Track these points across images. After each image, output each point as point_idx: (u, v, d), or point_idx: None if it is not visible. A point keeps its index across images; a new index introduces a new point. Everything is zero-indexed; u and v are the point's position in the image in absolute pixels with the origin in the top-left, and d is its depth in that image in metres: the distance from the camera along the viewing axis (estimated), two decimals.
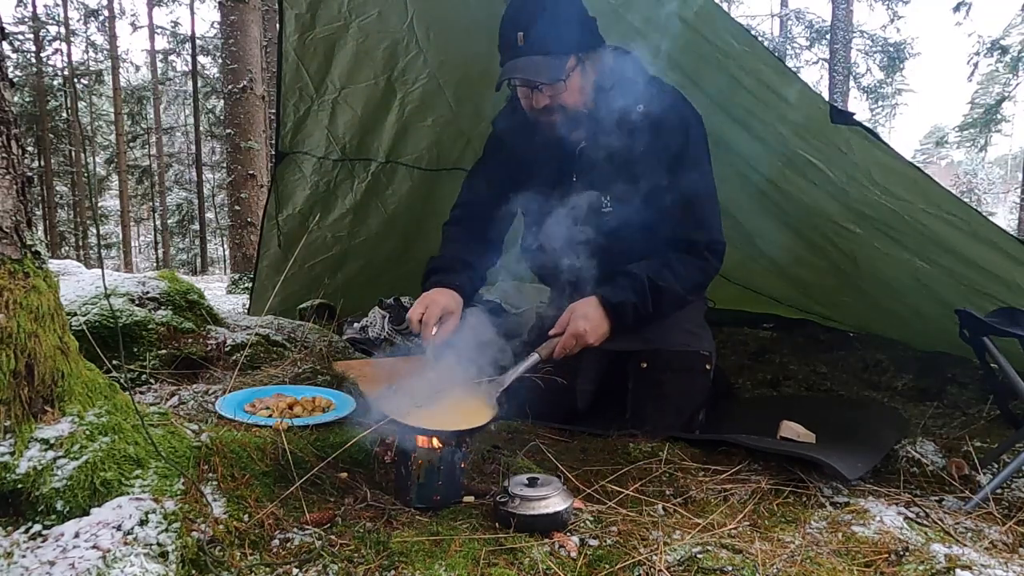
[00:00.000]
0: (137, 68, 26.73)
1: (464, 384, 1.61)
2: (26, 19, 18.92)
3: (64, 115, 20.83)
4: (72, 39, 20.75)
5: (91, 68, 21.99)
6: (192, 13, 22.65)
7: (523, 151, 2.03)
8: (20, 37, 18.96)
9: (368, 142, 3.23)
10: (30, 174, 1.27)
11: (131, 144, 22.70)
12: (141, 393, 1.93)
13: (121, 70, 21.10)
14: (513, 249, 2.23)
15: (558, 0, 1.82)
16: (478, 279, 1.97)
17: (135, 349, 2.11)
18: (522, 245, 2.23)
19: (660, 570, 1.18)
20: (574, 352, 1.79)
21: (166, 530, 1.11)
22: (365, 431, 1.46)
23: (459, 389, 1.59)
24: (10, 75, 1.23)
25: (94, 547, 1.04)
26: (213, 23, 22.21)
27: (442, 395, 1.55)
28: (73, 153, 21.00)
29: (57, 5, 19.94)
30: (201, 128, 21.15)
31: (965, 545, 1.32)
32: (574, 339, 1.76)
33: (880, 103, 20.56)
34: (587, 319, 1.77)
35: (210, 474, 1.32)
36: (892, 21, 17.66)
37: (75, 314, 2.06)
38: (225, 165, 10.44)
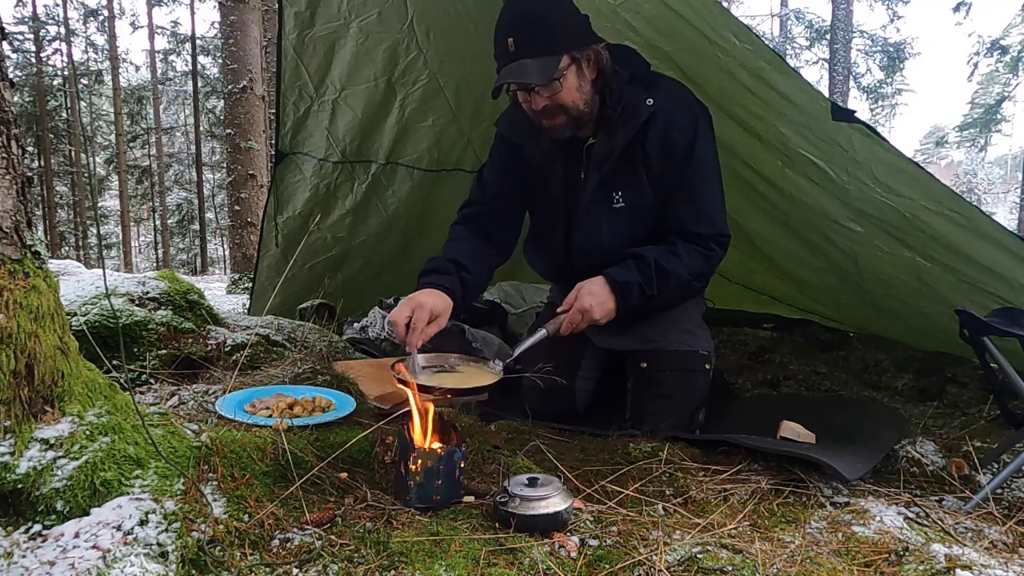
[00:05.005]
0: (137, 68, 26.81)
1: (474, 359, 1.82)
2: (26, 19, 18.90)
3: (64, 115, 20.81)
4: (72, 39, 20.75)
5: (91, 68, 21.98)
6: (192, 13, 22.67)
7: (530, 149, 2.03)
8: (20, 37, 18.95)
9: (368, 144, 3.23)
10: (30, 174, 1.27)
11: (131, 144, 22.69)
12: (141, 393, 1.93)
13: (121, 70, 21.10)
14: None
15: (546, 3, 1.82)
16: (473, 281, 1.93)
17: (135, 349, 2.11)
18: (527, 243, 2.23)
19: (660, 570, 1.18)
20: (580, 328, 1.81)
21: (166, 530, 1.11)
22: (365, 431, 1.46)
23: (470, 363, 1.78)
24: (10, 75, 1.23)
25: (94, 547, 1.04)
26: (213, 23, 22.30)
27: (453, 366, 1.74)
28: (73, 153, 20.98)
29: (57, 5, 19.94)
30: (201, 128, 21.13)
31: (965, 545, 1.32)
32: (580, 315, 1.78)
33: (880, 103, 20.57)
34: (593, 296, 1.79)
35: (210, 474, 1.32)
36: (892, 21, 17.66)
37: (75, 314, 2.06)
38: (225, 165, 10.44)
